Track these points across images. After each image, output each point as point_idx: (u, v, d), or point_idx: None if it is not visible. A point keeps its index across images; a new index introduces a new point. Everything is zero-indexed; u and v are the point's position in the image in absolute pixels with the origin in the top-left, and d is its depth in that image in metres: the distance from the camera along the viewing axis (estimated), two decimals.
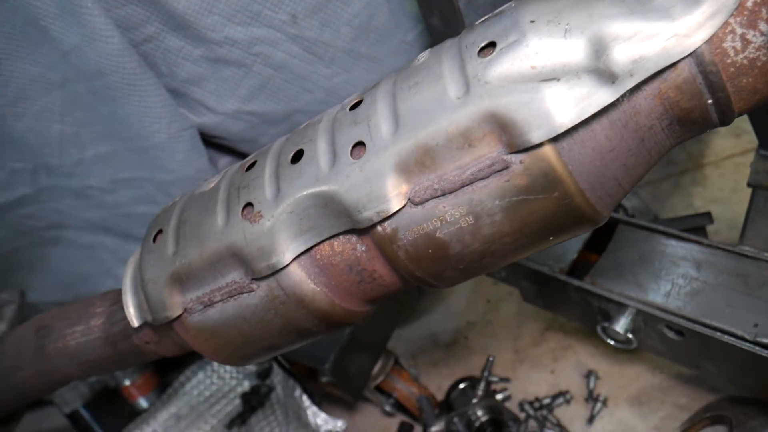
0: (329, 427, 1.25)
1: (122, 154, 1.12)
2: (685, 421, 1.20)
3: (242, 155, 1.30)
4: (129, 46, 0.96)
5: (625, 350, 1.17)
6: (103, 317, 0.83)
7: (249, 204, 0.63)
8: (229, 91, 1.13)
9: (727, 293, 0.95)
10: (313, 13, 1.09)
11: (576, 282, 1.05)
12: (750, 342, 0.89)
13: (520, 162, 0.51)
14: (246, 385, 1.59)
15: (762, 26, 0.48)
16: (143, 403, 1.62)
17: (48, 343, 0.85)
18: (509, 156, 0.51)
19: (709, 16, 0.48)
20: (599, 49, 0.49)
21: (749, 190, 0.97)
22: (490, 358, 1.32)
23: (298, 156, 0.61)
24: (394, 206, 0.55)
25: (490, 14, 0.58)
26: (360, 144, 0.57)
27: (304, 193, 0.59)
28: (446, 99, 0.53)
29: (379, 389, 1.40)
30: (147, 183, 1.16)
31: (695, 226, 1.24)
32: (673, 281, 0.99)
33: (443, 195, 0.54)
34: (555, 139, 0.50)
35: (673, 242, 1.03)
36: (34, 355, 0.86)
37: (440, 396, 1.42)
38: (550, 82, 0.49)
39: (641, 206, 1.47)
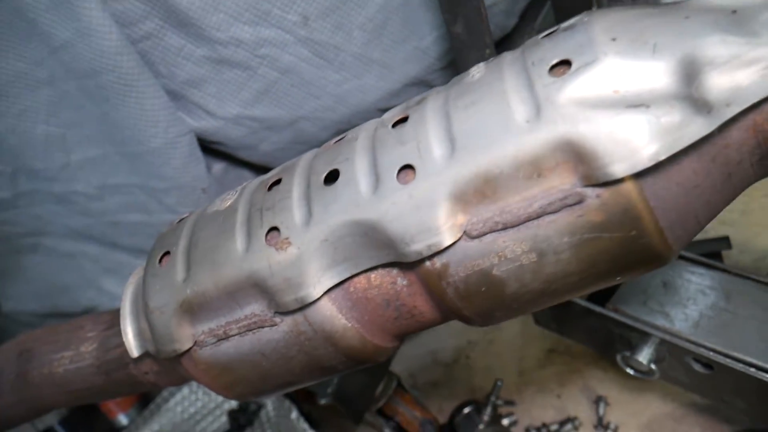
0: None
1: (112, 158, 1.04)
2: None
3: (240, 162, 1.23)
4: (127, 43, 0.88)
5: (635, 377, 1.12)
6: (95, 343, 0.75)
7: (274, 228, 0.56)
8: (231, 94, 1.05)
9: (760, 326, 0.90)
10: (326, 15, 1.02)
11: (598, 309, 1.00)
12: None
13: (597, 196, 0.45)
14: (233, 402, 1.51)
15: None
16: (123, 419, 1.53)
17: (32, 368, 0.77)
18: (584, 189, 0.45)
19: None
20: (691, 73, 0.44)
21: (760, 213, 0.93)
22: (498, 383, 1.27)
23: (332, 176, 0.54)
24: (448, 240, 0.48)
25: (556, 28, 0.51)
26: (408, 167, 0.50)
27: (341, 220, 0.52)
28: (512, 122, 0.47)
29: (380, 412, 1.33)
30: (138, 190, 1.08)
31: (713, 251, 1.20)
32: (701, 311, 0.94)
33: (504, 229, 0.48)
34: (638, 173, 0.44)
35: (699, 270, 0.98)
36: (16, 380, 0.78)
37: (442, 419, 1.36)
38: (637, 109, 0.43)
39: None
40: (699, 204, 0.48)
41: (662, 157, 0.43)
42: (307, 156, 0.60)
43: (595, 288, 0.53)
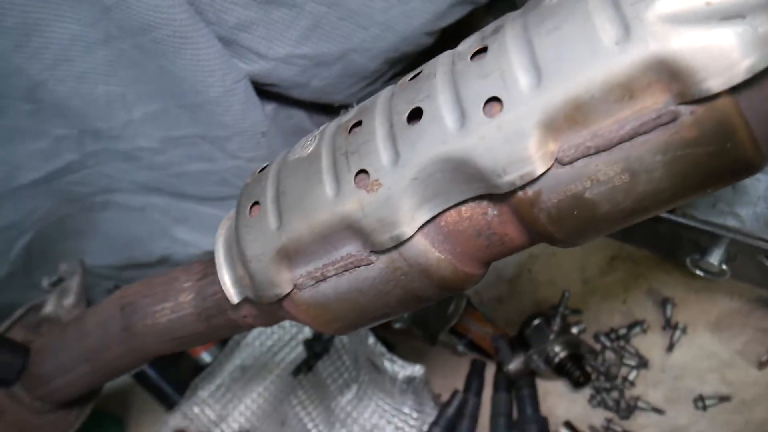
0: (407, 372, 1.24)
1: (173, 111, 1.05)
2: None
3: (290, 101, 1.23)
4: None
5: (701, 277, 1.13)
6: (192, 293, 0.80)
7: (362, 171, 0.57)
8: (280, 34, 1.05)
9: None
10: None
11: (667, 215, 1.00)
12: None
13: (691, 113, 0.45)
14: (307, 332, 1.58)
15: None
16: (206, 357, 1.63)
17: (136, 320, 0.82)
18: (678, 107, 0.45)
19: None
20: None
21: None
22: (566, 294, 1.30)
23: (415, 114, 0.55)
24: (540, 168, 0.49)
25: None
26: (494, 99, 0.51)
27: (430, 157, 0.53)
28: (600, 45, 0.46)
29: (452, 331, 1.38)
30: (201, 140, 1.10)
31: None
32: None
33: (597, 153, 0.48)
34: (734, 87, 0.44)
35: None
36: (122, 333, 0.83)
37: (512, 332, 1.41)
38: (732, 20, 0.42)
39: None
40: None
41: (760, 69, 0.42)
42: (384, 95, 0.61)
43: (685, 202, 0.54)
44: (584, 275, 1.44)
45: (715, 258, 0.98)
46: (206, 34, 0.94)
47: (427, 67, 0.59)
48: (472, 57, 0.54)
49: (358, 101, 1.33)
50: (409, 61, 1.26)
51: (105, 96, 1.02)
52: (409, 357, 1.32)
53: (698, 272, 1.06)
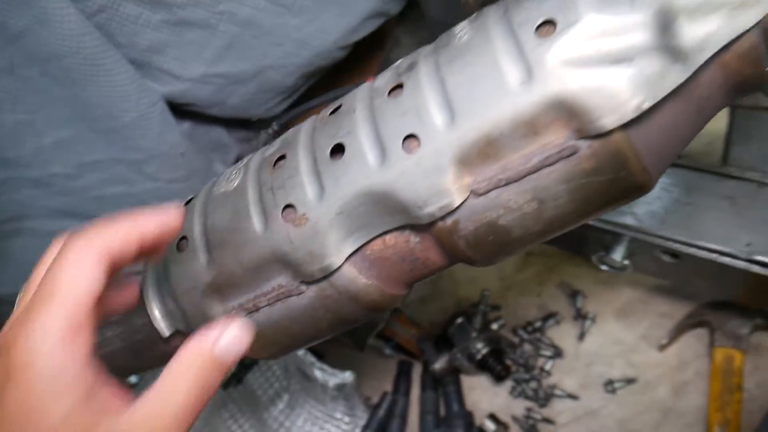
0: (338, 380, 1.27)
1: (87, 136, 1.02)
2: (671, 329, 1.30)
3: (209, 117, 1.23)
4: (88, 23, 0.86)
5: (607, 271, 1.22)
6: (120, 326, 0.79)
7: (289, 205, 0.59)
8: (195, 55, 1.04)
9: (718, 215, 0.99)
10: None
11: None
12: (744, 260, 0.95)
13: (589, 147, 0.50)
14: None
15: None
16: (132, 378, 1.59)
17: None
18: (577, 142, 0.50)
19: None
20: (666, 23, 0.48)
21: None
22: (486, 292, 1.36)
23: (337, 149, 0.58)
24: (458, 200, 0.53)
25: None
26: (412, 136, 0.54)
27: (354, 191, 0.56)
28: (506, 86, 0.50)
29: (380, 335, 1.42)
30: (117, 164, 1.08)
31: None
32: (666, 208, 1.02)
33: (507, 184, 0.53)
34: (625, 123, 0.49)
35: None
36: None
37: (436, 332, 1.46)
38: (621, 64, 0.48)
39: None
40: (675, 140, 0.53)
41: (646, 107, 0.48)
42: (306, 129, 0.63)
43: (589, 220, 0.59)
44: (501, 272, 1.51)
45: (617, 254, 1.07)
46: (119, 59, 0.92)
47: (346, 102, 0.61)
48: (390, 93, 0.57)
49: (275, 117, 1.35)
50: (323, 74, 1.29)
51: (12, 124, 0.98)
52: (339, 364, 1.35)
53: (603, 267, 1.14)
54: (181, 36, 1.00)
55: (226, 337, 0.53)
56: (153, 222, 0.53)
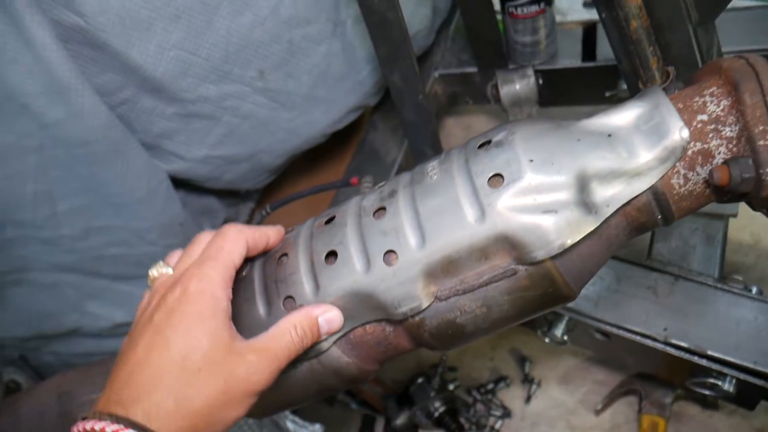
0: (308, 431, 1.39)
1: (98, 206, 1.15)
2: (605, 396, 1.46)
3: (206, 191, 1.36)
4: (114, 117, 1.00)
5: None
6: None
7: (290, 297, 0.74)
8: (199, 140, 1.19)
9: (642, 302, 1.17)
10: (279, 67, 1.16)
11: None
12: (662, 343, 1.12)
13: (525, 270, 0.66)
14: None
15: (698, 169, 0.65)
16: None
17: (74, 408, 0.92)
18: (517, 266, 0.66)
19: (662, 161, 0.65)
20: (583, 185, 0.65)
21: None
22: (444, 357, 1.50)
23: (331, 255, 0.73)
24: (425, 304, 0.68)
25: (487, 138, 0.70)
26: (391, 251, 0.69)
27: (344, 289, 0.70)
28: (466, 222, 0.66)
29: (347, 392, 1.55)
30: (121, 230, 1.20)
31: None
32: (599, 293, 1.20)
33: (464, 293, 0.68)
34: (552, 255, 0.65)
35: None
36: (59, 420, 0.92)
37: (398, 390, 1.59)
38: (549, 213, 0.64)
39: None
40: (592, 264, 0.70)
41: (568, 245, 0.64)
42: (304, 234, 0.77)
43: (525, 320, 0.75)
44: None
45: (558, 330, 1.23)
46: (136, 146, 1.06)
47: (339, 215, 0.76)
48: (374, 214, 0.72)
49: (262, 190, 1.48)
50: (305, 155, 1.44)
51: (33, 194, 1.10)
52: (310, 416, 1.47)
53: (546, 340, 1.31)
54: (190, 125, 1.15)
55: (328, 314, 0.71)
56: (273, 235, 0.77)
